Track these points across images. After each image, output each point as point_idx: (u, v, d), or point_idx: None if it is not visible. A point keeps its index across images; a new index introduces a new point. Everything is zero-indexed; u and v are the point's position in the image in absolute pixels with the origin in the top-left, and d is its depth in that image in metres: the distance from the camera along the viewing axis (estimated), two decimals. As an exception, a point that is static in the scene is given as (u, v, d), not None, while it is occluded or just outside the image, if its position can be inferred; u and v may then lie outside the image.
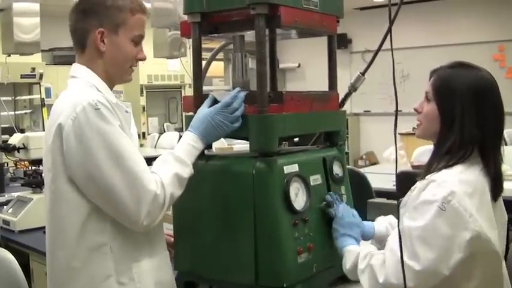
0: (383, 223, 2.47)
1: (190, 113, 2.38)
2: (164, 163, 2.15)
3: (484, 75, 2.16)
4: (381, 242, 2.36)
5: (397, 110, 1.94)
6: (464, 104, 2.10)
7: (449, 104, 2.13)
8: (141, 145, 10.43)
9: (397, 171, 3.58)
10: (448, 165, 2.07)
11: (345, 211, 2.36)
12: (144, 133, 11.68)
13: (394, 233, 2.13)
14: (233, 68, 2.46)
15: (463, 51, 10.63)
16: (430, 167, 2.15)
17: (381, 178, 5.42)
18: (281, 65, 13.68)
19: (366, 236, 2.40)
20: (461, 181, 2.01)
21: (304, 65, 14.08)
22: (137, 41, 2.25)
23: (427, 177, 2.09)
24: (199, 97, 2.38)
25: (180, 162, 2.15)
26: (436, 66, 2.26)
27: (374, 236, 2.43)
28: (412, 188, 2.17)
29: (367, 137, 13.42)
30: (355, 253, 2.20)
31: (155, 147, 9.98)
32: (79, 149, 2.04)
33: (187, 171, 2.16)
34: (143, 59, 2.30)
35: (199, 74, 2.42)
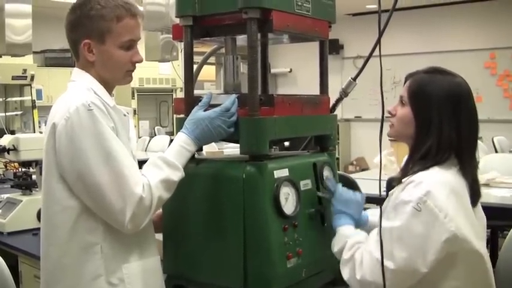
0: (376, 213, 2.48)
1: (182, 115, 2.39)
2: (154, 166, 2.15)
3: (460, 81, 2.18)
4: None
5: (383, 116, 1.96)
6: (441, 109, 2.12)
7: (425, 108, 2.15)
8: (133, 148, 10.39)
9: (387, 178, 3.59)
10: (425, 168, 2.09)
11: (345, 189, 2.38)
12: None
13: (372, 233, 2.16)
14: (224, 70, 2.47)
15: (455, 59, 10.67)
16: (406, 171, 2.17)
17: (370, 184, 5.40)
18: (272, 70, 13.68)
19: (360, 223, 2.40)
20: (438, 181, 2.03)
21: (295, 70, 14.11)
22: (128, 45, 2.24)
23: (403, 180, 2.11)
24: (190, 100, 2.39)
25: (170, 165, 2.15)
26: None
27: (368, 225, 2.44)
28: (390, 192, 2.19)
29: (357, 143, 13.44)
30: (344, 239, 2.22)
31: (146, 150, 9.96)
32: (69, 147, 2.07)
33: (177, 175, 2.16)
34: (139, 61, 2.29)
35: (190, 77, 2.42)
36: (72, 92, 2.20)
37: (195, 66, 2.53)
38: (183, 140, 2.21)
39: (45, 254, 2.24)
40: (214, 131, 2.22)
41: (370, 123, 12.86)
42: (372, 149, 8.84)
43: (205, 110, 2.26)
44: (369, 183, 5.44)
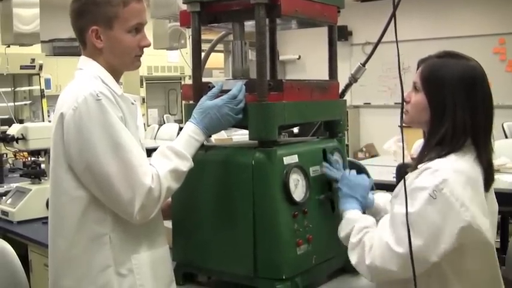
0: (382, 198, 2.47)
1: (190, 102, 2.38)
2: (162, 156, 2.13)
3: (475, 64, 2.15)
4: (377, 215, 2.35)
5: (402, 102, 1.93)
6: (454, 93, 2.09)
7: (439, 94, 2.12)
8: (142, 136, 10.41)
9: (397, 164, 3.57)
10: (441, 155, 2.07)
11: (352, 172, 2.37)
12: (144, 124, 11.64)
13: (383, 218, 2.14)
14: (233, 56, 2.46)
15: (464, 44, 10.56)
16: (422, 157, 2.14)
17: (380, 170, 5.40)
18: (281, 57, 13.63)
19: (366, 205, 2.38)
20: (455, 170, 2.00)
21: (304, 57, 14.06)
22: (136, 30, 2.22)
23: (419, 166, 2.09)
24: (198, 87, 2.38)
25: (179, 155, 2.13)
26: None
27: (374, 207, 2.43)
28: (405, 177, 2.16)
29: (367, 129, 13.40)
30: (352, 224, 2.20)
31: (155, 138, 9.97)
32: (78, 137, 2.05)
33: (186, 165, 2.14)
34: (147, 45, 2.27)
35: (198, 63, 2.41)
36: (80, 81, 2.18)
37: (203, 53, 2.51)
38: (191, 129, 2.20)
39: (54, 245, 2.23)
40: (223, 119, 2.21)
41: (379, 110, 12.84)
42: (381, 135, 8.81)
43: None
44: (378, 170, 5.46)
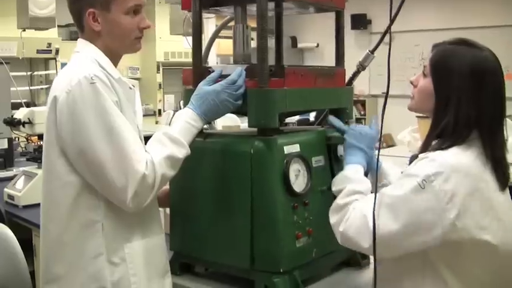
0: (391, 169, 2.44)
1: (190, 87, 2.34)
2: (158, 142, 2.08)
3: (487, 55, 2.04)
4: (381, 180, 2.30)
5: (387, 92, 1.86)
6: (461, 84, 1.99)
7: (445, 82, 2.04)
8: (156, 122, 10.42)
9: (411, 155, 3.49)
10: (443, 148, 1.98)
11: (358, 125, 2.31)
12: (160, 110, 11.63)
13: (369, 196, 2.06)
14: (234, 40, 2.40)
15: (483, 35, 10.38)
16: (425, 147, 2.06)
17: (394, 161, 5.31)
18: (299, 45, 13.59)
19: (370, 166, 2.29)
20: (452, 163, 1.91)
21: (322, 45, 13.96)
22: (134, 11, 2.16)
23: (420, 155, 2.01)
24: (198, 72, 2.34)
25: (174, 141, 2.08)
26: None
27: (379, 170, 2.34)
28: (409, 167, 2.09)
29: (384, 119, 13.29)
30: (345, 183, 2.12)
31: (170, 124, 9.95)
32: (71, 121, 2.02)
33: (182, 152, 2.09)
34: (147, 27, 2.22)
35: (199, 47, 2.38)
36: (75, 64, 2.14)
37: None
38: (189, 115, 2.15)
39: (45, 230, 2.19)
40: (221, 105, 2.16)
41: (397, 99, 12.64)
42: (399, 125, 8.71)
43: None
44: (394, 161, 5.37)
